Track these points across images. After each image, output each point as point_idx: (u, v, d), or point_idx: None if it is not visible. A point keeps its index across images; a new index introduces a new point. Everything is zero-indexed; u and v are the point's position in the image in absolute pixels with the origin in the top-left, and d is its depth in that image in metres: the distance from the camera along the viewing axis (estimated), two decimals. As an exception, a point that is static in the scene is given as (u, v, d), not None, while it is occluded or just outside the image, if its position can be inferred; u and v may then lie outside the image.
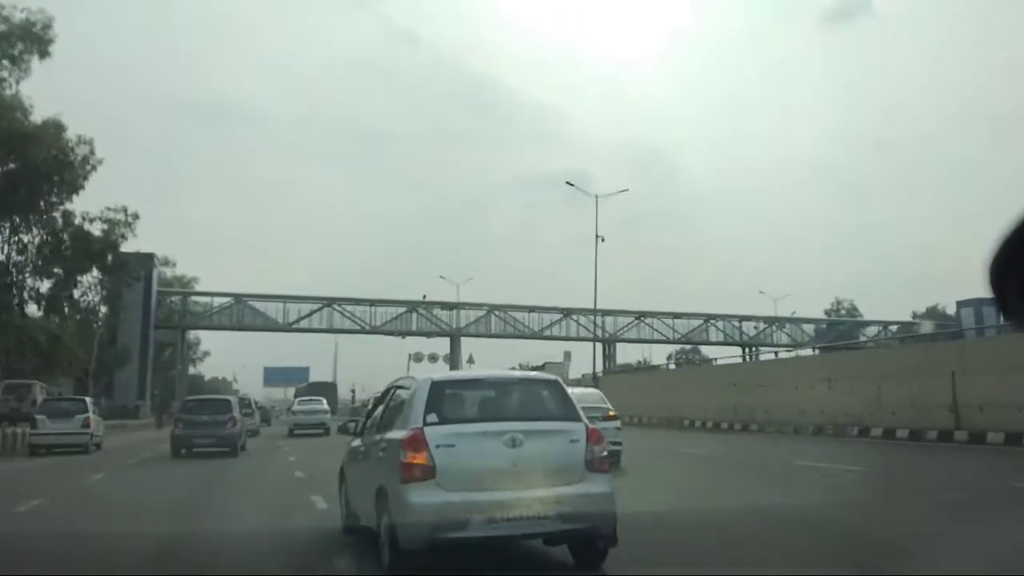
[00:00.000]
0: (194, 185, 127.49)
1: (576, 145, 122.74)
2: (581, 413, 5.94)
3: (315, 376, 79.53)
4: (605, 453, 5.79)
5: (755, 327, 74.10)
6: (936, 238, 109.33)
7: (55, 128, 39.66)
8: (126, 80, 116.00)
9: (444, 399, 5.76)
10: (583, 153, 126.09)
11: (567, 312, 68.59)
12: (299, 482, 12.49)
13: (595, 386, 36.28)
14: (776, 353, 60.17)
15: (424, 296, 65.62)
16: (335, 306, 62.95)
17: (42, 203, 40.61)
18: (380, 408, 6.92)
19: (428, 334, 66.14)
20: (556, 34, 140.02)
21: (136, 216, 50.08)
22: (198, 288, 69.00)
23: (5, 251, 41.53)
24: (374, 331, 64.83)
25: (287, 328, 62.13)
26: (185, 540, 7.71)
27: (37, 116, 39.96)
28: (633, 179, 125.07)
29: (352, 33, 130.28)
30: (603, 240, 38.69)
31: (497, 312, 67.26)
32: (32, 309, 43.18)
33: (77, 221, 42.82)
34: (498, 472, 5.30)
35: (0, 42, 38.48)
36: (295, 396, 50.29)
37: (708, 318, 71.84)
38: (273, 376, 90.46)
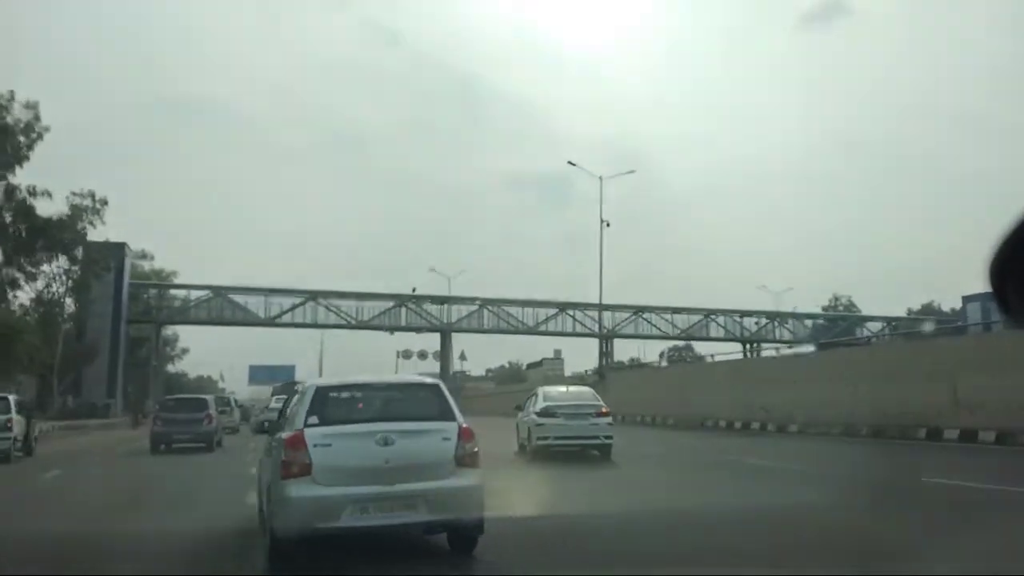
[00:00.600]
0: (175, 184, 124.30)
1: (559, 142, 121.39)
2: (457, 413, 6.29)
3: (301, 374, 77.69)
4: (476, 450, 6.19)
5: (756, 322, 71.70)
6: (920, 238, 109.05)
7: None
8: (105, 79, 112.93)
9: (326, 403, 6.24)
10: (567, 150, 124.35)
11: (563, 307, 65.76)
12: (249, 479, 10.68)
13: (600, 383, 33.46)
14: (778, 349, 58.11)
15: (414, 289, 62.64)
16: (320, 300, 59.78)
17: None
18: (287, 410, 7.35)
19: (418, 329, 63.03)
20: (539, 32, 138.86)
21: (104, 202, 47.11)
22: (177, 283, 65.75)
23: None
24: (361, 326, 61.69)
25: (269, 323, 58.94)
26: (79, 539, 7.67)
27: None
28: (618, 178, 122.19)
29: (333, 32, 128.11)
30: (608, 225, 35.90)
31: (490, 307, 64.29)
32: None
33: (21, 196, 39.21)
34: (370, 468, 5.74)
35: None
36: (272, 395, 49.60)
37: (708, 313, 69.23)
38: (259, 375, 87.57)
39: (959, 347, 19.57)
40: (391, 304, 61.74)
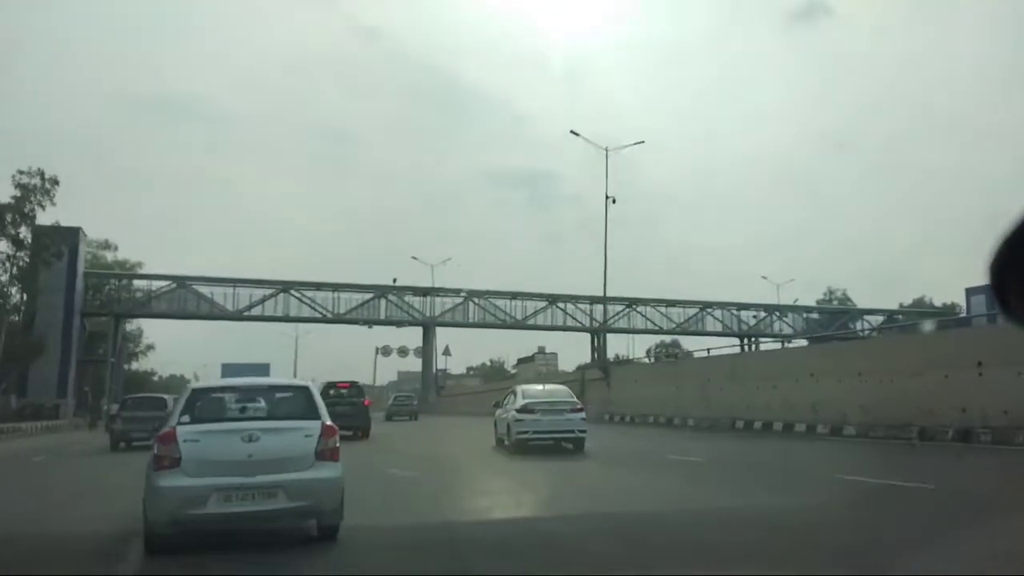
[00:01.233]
0: (150, 181, 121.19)
1: (541, 141, 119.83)
2: (322, 413, 6.90)
3: (276, 372, 74.23)
4: (336, 445, 6.74)
5: (754, 316, 68.46)
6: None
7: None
8: (81, 75, 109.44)
9: (199, 403, 6.91)
10: (547, 149, 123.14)
11: (553, 299, 62.08)
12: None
13: (605, 379, 29.84)
14: (783, 343, 54.81)
15: (394, 280, 58.55)
16: (292, 291, 55.65)
17: None
18: None
19: (399, 323, 58.98)
20: (521, 30, 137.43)
21: (55, 181, 42.94)
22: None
23: None
24: (337, 320, 57.61)
25: (237, 316, 54.72)
26: None
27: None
28: (598, 175, 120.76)
29: (313, 29, 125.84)
30: (614, 201, 32.23)
31: (476, 299, 60.44)
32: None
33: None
34: (235, 461, 6.28)
35: None
36: None
37: (704, 306, 65.85)
38: (232, 373, 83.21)
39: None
40: (370, 296, 57.73)
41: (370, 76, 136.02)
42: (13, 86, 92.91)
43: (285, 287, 55.22)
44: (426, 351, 60.57)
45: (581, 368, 41.68)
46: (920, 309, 73.80)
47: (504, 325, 61.81)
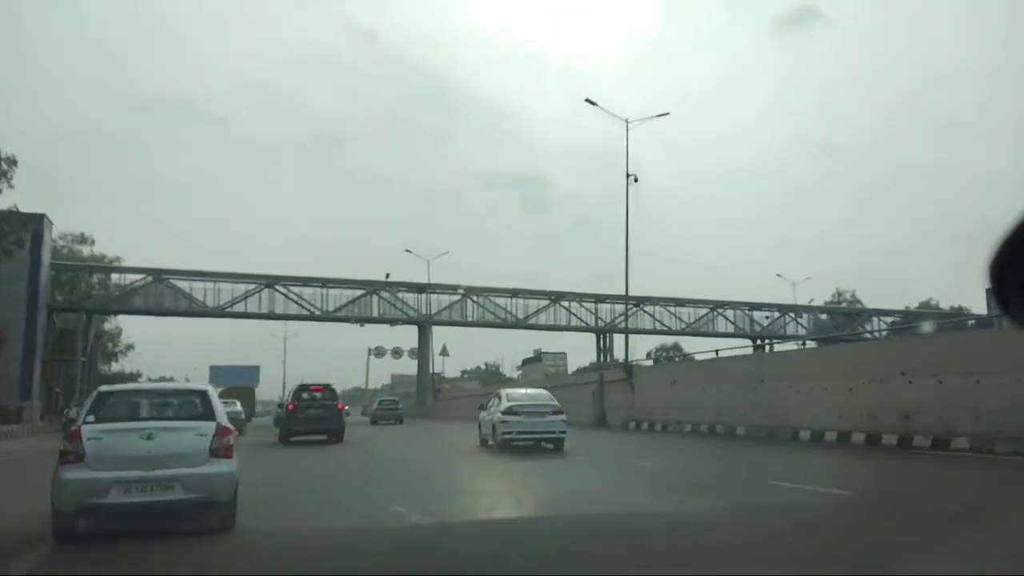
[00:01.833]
0: (142, 181, 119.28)
1: (535, 144, 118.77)
2: (217, 414, 7.57)
3: (266, 375, 76.35)
4: (230, 443, 7.42)
5: (767, 316, 64.96)
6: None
7: None
8: (79, 76, 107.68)
9: (104, 404, 7.55)
10: (542, 152, 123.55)
11: (556, 297, 58.41)
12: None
13: (628, 381, 26.25)
14: (803, 343, 51.31)
15: (387, 275, 54.78)
16: (278, 287, 51.79)
17: None
18: None
19: (392, 321, 55.15)
20: (516, 33, 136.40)
21: (13, 162, 38.84)
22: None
23: None
24: (326, 318, 53.78)
25: (218, 313, 50.81)
26: None
27: None
28: (592, 178, 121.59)
29: (309, 30, 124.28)
30: (636, 180, 28.65)
31: (474, 296, 56.71)
32: None
33: None
34: (134, 457, 6.92)
35: None
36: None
37: (715, 305, 62.29)
38: (221, 376, 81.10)
39: None
40: (361, 292, 53.91)
41: (364, 78, 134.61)
42: (8, 85, 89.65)
43: (270, 282, 51.38)
44: (422, 352, 56.80)
45: (598, 368, 38.06)
46: (926, 311, 70.66)
47: (504, 324, 58.10)
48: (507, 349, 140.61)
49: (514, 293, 57.81)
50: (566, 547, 6.68)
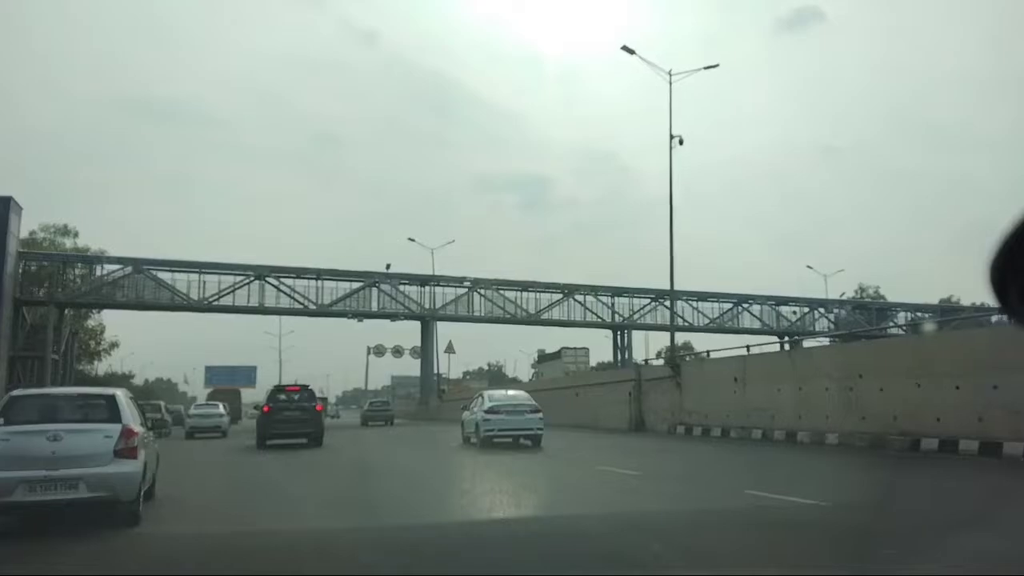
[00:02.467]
0: (137, 184, 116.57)
1: (534, 145, 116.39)
2: (124, 416, 7.88)
3: (263, 376, 72.95)
4: (134, 445, 7.72)
5: (794, 312, 60.59)
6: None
7: None
8: (76, 77, 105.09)
9: (14, 407, 7.89)
10: (542, 153, 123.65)
11: (569, 290, 54.05)
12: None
13: (674, 379, 21.97)
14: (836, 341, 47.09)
15: (388, 266, 50.41)
16: (269, 278, 47.48)
17: None
18: None
19: (393, 316, 50.76)
20: (515, 35, 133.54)
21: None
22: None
23: None
24: (321, 312, 49.50)
25: (203, 307, 46.48)
26: None
27: None
28: (591, 179, 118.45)
29: (308, 32, 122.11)
30: (681, 142, 24.28)
31: (481, 289, 52.39)
32: None
33: None
34: (40, 457, 7.18)
35: None
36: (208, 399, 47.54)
37: (740, 300, 57.93)
38: (218, 377, 79.47)
39: None
40: (359, 285, 49.58)
41: (363, 79, 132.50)
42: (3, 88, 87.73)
43: (259, 272, 47.05)
44: (425, 349, 52.41)
45: (635, 365, 33.77)
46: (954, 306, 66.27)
47: (514, 320, 53.72)
48: (511, 347, 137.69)
49: (524, 286, 53.52)
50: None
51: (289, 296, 47.97)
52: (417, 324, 52.23)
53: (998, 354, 12.78)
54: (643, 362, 39.46)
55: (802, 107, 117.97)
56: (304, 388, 22.01)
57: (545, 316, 53.87)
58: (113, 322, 72.35)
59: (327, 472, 14.11)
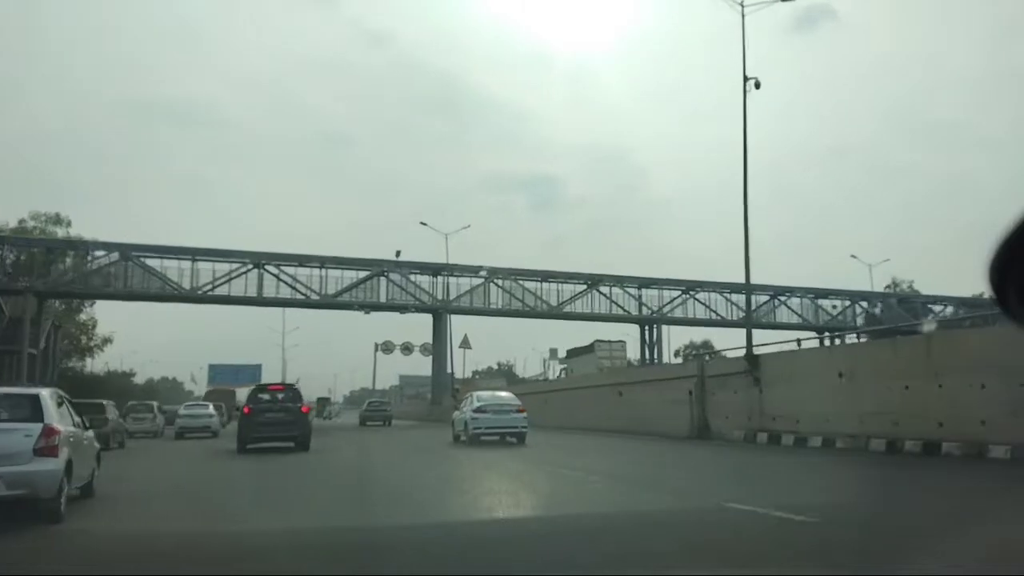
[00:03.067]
0: (146, 185, 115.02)
1: (544, 145, 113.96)
2: (47, 416, 7.93)
3: (268, 375, 69.67)
4: (55, 443, 7.71)
5: (833, 306, 56.25)
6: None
7: None
8: (85, 81, 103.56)
9: None
10: (551, 152, 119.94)
11: (594, 281, 49.86)
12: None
13: (752, 374, 17.77)
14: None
15: (398, 254, 46.32)
16: (268, 266, 43.51)
17: None
18: None
19: (403, 307, 46.67)
20: (524, 36, 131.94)
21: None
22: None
23: None
24: (324, 303, 45.54)
25: (196, 297, 42.59)
26: None
27: None
28: (601, 178, 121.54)
29: (318, 33, 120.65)
30: (757, 86, 20.23)
31: (499, 279, 48.28)
32: None
33: None
34: None
35: None
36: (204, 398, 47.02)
37: (778, 291, 53.60)
38: (221, 375, 77.52)
39: None
40: (367, 273, 45.55)
41: (373, 80, 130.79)
42: (11, 90, 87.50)
43: (257, 260, 43.07)
44: (437, 344, 48.27)
45: (698, 360, 29.64)
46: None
47: (534, 313, 49.60)
48: (524, 344, 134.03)
49: (545, 276, 49.41)
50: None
51: (291, 286, 44.01)
52: (428, 319, 48.13)
53: None
54: (706, 358, 35.18)
55: (812, 104, 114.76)
56: (289, 387, 20.94)
57: (568, 309, 49.72)
58: (108, 317, 68.93)
59: (294, 471, 13.60)
